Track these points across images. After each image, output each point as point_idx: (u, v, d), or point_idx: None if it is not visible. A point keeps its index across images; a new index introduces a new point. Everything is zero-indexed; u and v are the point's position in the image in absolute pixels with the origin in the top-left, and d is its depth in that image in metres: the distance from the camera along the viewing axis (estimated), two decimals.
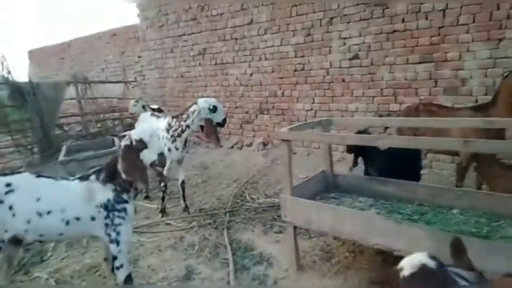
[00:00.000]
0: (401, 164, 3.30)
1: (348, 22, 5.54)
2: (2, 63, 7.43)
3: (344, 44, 5.69)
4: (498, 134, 3.20)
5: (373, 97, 5.56)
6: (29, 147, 7.74)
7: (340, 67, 5.83)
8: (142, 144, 2.30)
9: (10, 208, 2.23)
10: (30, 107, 7.45)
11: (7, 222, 2.24)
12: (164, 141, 4.09)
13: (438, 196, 2.83)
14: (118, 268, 2.37)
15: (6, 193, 2.24)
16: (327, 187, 3.46)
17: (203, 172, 6.04)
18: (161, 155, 2.32)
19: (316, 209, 2.73)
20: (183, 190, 4.41)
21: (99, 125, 9.15)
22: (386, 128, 4.41)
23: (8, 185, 2.27)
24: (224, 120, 3.98)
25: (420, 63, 4.99)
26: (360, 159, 3.53)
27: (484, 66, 4.47)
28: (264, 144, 7.11)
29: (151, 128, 2.49)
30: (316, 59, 6.10)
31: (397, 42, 5.09)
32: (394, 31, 5.08)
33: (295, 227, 2.95)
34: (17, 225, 2.25)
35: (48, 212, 2.25)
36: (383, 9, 5.13)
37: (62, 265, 3.34)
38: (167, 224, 4.11)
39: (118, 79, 10.02)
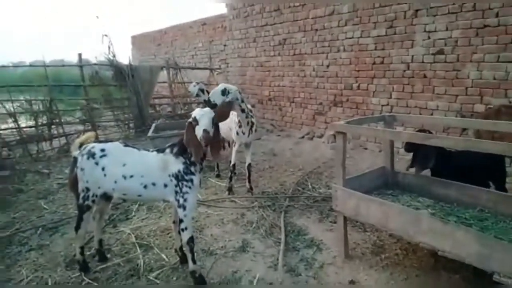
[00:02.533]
0: (477, 170, 3.16)
1: (435, 15, 5.23)
2: (109, 47, 8.57)
3: (429, 38, 5.40)
4: None
5: (456, 95, 5.21)
6: (126, 122, 8.88)
7: (423, 62, 5.55)
8: (195, 122, 2.60)
9: (103, 169, 2.76)
10: (129, 87, 8.52)
11: (100, 180, 2.78)
12: (234, 126, 4.45)
13: (502, 204, 2.68)
14: (183, 230, 2.76)
15: (101, 156, 2.78)
16: (385, 184, 3.46)
17: (271, 159, 6.33)
18: (205, 131, 2.52)
19: (364, 201, 2.81)
20: (249, 173, 4.75)
21: (185, 107, 10.03)
22: (463, 130, 4.15)
23: (102, 150, 2.80)
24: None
25: None
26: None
27: None
28: (335, 137, 7.10)
29: (207, 109, 2.74)
30: (397, 53, 5.88)
31: (488, 38, 4.68)
32: (485, 26, 4.68)
33: (345, 218, 3.05)
34: (107, 184, 2.78)
35: (131, 176, 2.73)
36: (474, 3, 4.73)
37: (142, 224, 3.93)
38: (232, 201, 4.50)
39: (205, 66, 10.78)
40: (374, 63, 6.24)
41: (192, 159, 2.65)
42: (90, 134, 3.23)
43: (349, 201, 2.92)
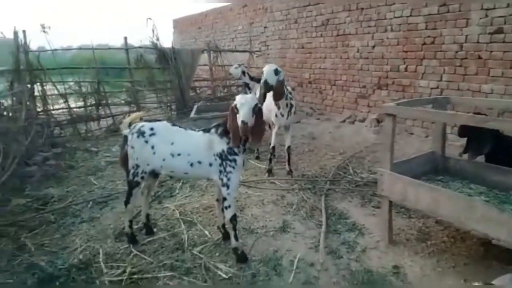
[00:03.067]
0: None
1: None
2: (153, 31, 8.75)
3: (486, 16, 5.00)
4: None
5: None
6: (168, 104, 9.12)
7: (478, 42, 5.18)
8: (236, 109, 2.59)
9: (152, 147, 2.86)
10: (172, 70, 8.70)
11: (149, 158, 2.88)
12: (273, 107, 4.42)
13: None
14: (226, 208, 2.82)
15: (150, 135, 2.87)
16: (435, 169, 3.31)
17: (311, 142, 6.26)
18: (243, 123, 2.49)
19: (413, 186, 2.70)
20: (289, 155, 4.73)
21: (225, 90, 10.11)
22: None
23: (151, 129, 2.90)
24: (265, 82, 3.93)
25: None
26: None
27: None
28: (378, 121, 6.88)
29: (249, 97, 2.71)
30: (449, 32, 5.52)
31: None
32: None
33: (390, 202, 2.97)
34: (156, 161, 2.88)
35: (178, 154, 2.81)
36: None
37: (185, 201, 4.06)
38: (271, 183, 4.53)
39: (245, 49, 10.74)
40: (424, 44, 5.91)
41: (230, 144, 2.67)
42: (138, 113, 3.35)
43: (396, 185, 2.83)
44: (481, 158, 3.30)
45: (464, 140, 3.27)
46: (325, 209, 3.65)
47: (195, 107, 6.66)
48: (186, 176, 2.98)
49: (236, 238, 2.89)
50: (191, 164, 2.81)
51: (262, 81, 4.02)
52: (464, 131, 3.05)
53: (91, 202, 4.12)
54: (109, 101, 8.03)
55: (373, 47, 6.85)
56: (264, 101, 4.08)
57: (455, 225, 2.50)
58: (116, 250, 3.13)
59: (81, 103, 7.87)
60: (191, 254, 3.02)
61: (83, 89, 7.76)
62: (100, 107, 7.85)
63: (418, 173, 3.14)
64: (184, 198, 4.17)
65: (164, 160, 2.85)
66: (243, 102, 2.57)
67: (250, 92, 5.90)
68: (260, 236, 3.28)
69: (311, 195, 4.10)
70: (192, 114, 6.10)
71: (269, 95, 4.40)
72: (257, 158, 5.46)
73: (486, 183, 2.96)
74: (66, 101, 7.47)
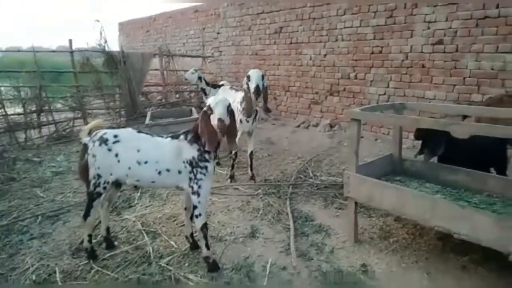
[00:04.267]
0: (482, 156, 3.24)
1: (435, 6, 5.28)
2: (101, 33, 8.32)
3: (429, 28, 5.45)
4: None
5: (454, 85, 5.30)
6: (117, 110, 8.68)
7: (422, 52, 5.61)
8: (210, 110, 2.55)
9: (116, 155, 2.70)
10: (121, 75, 8.32)
11: (113, 166, 2.72)
12: (238, 113, 4.41)
13: (510, 189, 2.76)
14: (197, 216, 2.74)
15: (114, 142, 2.71)
16: (393, 171, 3.50)
17: (269, 147, 6.33)
18: (220, 120, 2.48)
19: (379, 187, 2.84)
20: (251, 160, 4.74)
21: (177, 95, 9.88)
22: (464, 117, 4.23)
23: (115, 136, 2.74)
24: (257, 88, 4.00)
25: (511, 52, 4.63)
26: None
27: None
28: (331, 126, 7.16)
29: (222, 97, 2.72)
30: (396, 42, 5.93)
31: (488, 29, 4.76)
32: (486, 17, 4.75)
33: (356, 203, 3.09)
34: (121, 170, 2.72)
35: (145, 162, 2.68)
36: None
37: (146, 212, 3.88)
38: (235, 188, 4.49)
39: (198, 54, 10.61)
40: (372, 53, 6.28)
41: (206, 148, 2.61)
42: (99, 121, 3.15)
43: (361, 187, 2.95)
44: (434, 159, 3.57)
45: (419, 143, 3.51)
46: (291, 213, 3.70)
47: (149, 113, 6.43)
48: (153, 185, 2.85)
49: (208, 247, 2.81)
50: (159, 172, 2.70)
51: (252, 86, 4.03)
52: (420, 134, 3.27)
53: (40, 217, 3.78)
54: (51, 107, 7.45)
55: (325, 55, 7.14)
56: (253, 109, 4.10)
57: (419, 222, 2.67)
58: (75, 267, 2.89)
59: (20, 110, 7.21)
60: (158, 266, 2.89)
61: (22, 94, 7.13)
62: (41, 114, 7.25)
63: (379, 175, 3.30)
64: (144, 208, 3.98)
65: (129, 168, 2.70)
66: (217, 102, 2.55)
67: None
68: (229, 243, 3.23)
69: (276, 199, 4.13)
70: (147, 120, 5.88)
71: (234, 101, 4.41)
72: (218, 164, 5.39)
73: (440, 182, 3.19)
74: (2, 107, 6.80)
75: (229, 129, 2.65)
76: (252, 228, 3.46)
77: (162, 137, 2.83)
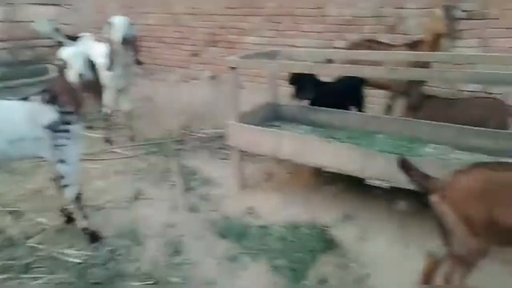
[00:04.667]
0: (344, 96, 3.59)
1: None
2: None
3: None
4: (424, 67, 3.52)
5: (320, 32, 5.67)
6: None
7: (291, 0, 5.78)
8: (64, 64, 2.24)
9: None
10: None
11: None
12: (104, 68, 3.93)
13: (368, 123, 3.17)
14: (66, 186, 2.44)
15: None
16: (271, 117, 3.65)
17: (148, 104, 5.95)
18: (80, 75, 2.22)
19: (258, 133, 2.94)
20: (129, 120, 4.38)
21: (30, 52, 8.35)
22: (330, 61, 4.61)
23: None
24: (124, 37, 3.64)
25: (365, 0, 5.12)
26: None
27: (423, 6, 4.70)
28: (212, 78, 7.06)
29: (77, 48, 2.37)
30: None
31: None
32: None
33: (239, 151, 3.16)
34: None
35: None
36: None
37: (6, 190, 3.30)
38: (113, 152, 4.14)
39: (50, 1, 8.99)
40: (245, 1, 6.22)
41: (67, 108, 2.27)
42: None
43: (242, 135, 3.01)
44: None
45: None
46: (177, 170, 3.61)
47: None
48: (6, 158, 2.38)
49: (85, 217, 2.56)
50: (10, 143, 2.25)
51: (118, 36, 3.58)
52: (293, 79, 3.43)
53: None
54: None
55: (197, 2, 6.81)
56: (121, 62, 3.62)
57: (296, 161, 2.87)
58: None
59: None
60: (26, 247, 2.53)
61: None
62: None
63: (258, 122, 3.40)
64: (2, 186, 3.37)
65: None
66: (74, 54, 2.20)
67: None
68: (111, 210, 3.01)
69: (160, 158, 3.96)
70: None
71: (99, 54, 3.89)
72: (89, 127, 4.84)
73: (312, 123, 3.46)
74: None
75: (93, 86, 2.34)
76: (135, 190, 3.27)
77: (9, 100, 2.34)
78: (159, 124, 5.03)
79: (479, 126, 2.77)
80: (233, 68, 2.88)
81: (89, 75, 2.29)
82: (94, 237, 2.59)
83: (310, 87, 3.35)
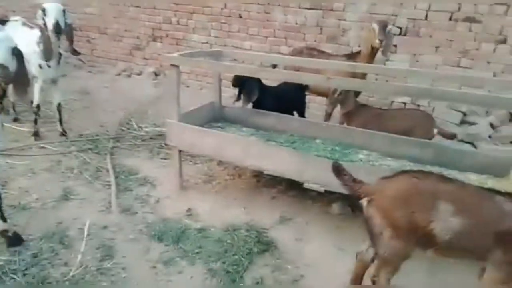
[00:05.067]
0: (287, 101, 3.67)
1: None
2: None
3: None
4: (362, 78, 3.74)
5: (267, 37, 5.76)
6: None
7: (239, 2, 5.80)
8: None
9: None
10: None
11: None
12: (35, 56, 3.62)
13: (307, 128, 3.28)
14: None
15: None
16: (214, 118, 3.62)
17: (85, 98, 5.61)
18: (2, 67, 2.02)
19: (200, 134, 2.90)
20: (60, 114, 4.09)
21: None
22: (274, 66, 4.71)
23: None
24: (57, 24, 3.37)
25: (310, 9, 5.31)
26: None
27: (362, 20, 5.00)
28: (156, 74, 6.84)
29: (2, 34, 2.16)
30: None
31: None
32: None
33: (179, 151, 3.09)
34: None
35: None
36: None
37: None
38: (41, 147, 3.83)
39: None
40: None
41: None
42: None
43: (184, 135, 2.95)
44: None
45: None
46: (112, 168, 3.43)
47: None
48: None
49: (4, 219, 2.33)
50: None
51: (50, 22, 3.33)
52: (236, 81, 3.43)
53: None
54: None
55: None
56: (53, 51, 3.36)
57: (237, 163, 2.88)
58: None
59: None
60: None
61: None
62: None
63: (201, 122, 3.35)
64: None
65: None
66: None
67: None
68: (36, 211, 2.78)
69: (94, 155, 3.74)
70: None
71: (30, 40, 3.60)
72: (16, 120, 4.43)
73: (254, 125, 3.49)
74: None
75: (17, 77, 2.14)
76: (65, 190, 3.06)
77: None
78: (96, 119, 4.76)
79: (407, 135, 3.00)
80: (174, 65, 2.81)
81: (12, 65, 2.09)
82: (14, 240, 2.37)
83: (254, 90, 3.38)
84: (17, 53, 2.14)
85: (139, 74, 6.95)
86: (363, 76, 3.74)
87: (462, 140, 4.16)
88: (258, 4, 5.62)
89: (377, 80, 4.79)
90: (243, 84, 3.42)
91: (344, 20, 5.11)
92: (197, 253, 2.47)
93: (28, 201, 2.87)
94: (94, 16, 7.23)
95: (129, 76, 6.98)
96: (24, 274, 2.16)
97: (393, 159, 2.87)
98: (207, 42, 6.27)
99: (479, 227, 1.67)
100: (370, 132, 3.04)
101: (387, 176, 1.90)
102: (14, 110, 4.46)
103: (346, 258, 2.39)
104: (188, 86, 6.56)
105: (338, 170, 1.96)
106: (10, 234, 2.36)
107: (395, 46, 4.76)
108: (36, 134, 3.98)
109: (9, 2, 8.01)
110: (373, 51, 3.61)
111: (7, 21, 4.54)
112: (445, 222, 1.69)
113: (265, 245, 2.55)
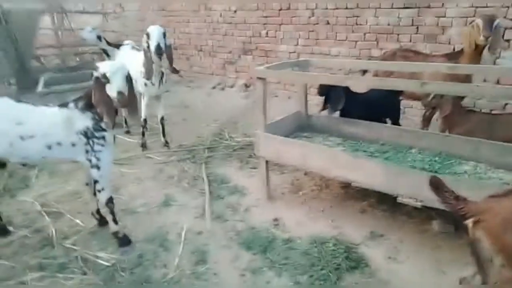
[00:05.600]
0: (377, 108, 3.48)
1: None
2: None
3: None
4: (465, 80, 3.35)
5: (356, 41, 5.56)
6: (5, 78, 7.52)
7: (326, 9, 5.73)
8: (105, 79, 2.28)
9: None
10: (3, 36, 7.12)
11: None
12: (141, 76, 4.08)
13: (400, 137, 3.05)
14: (99, 191, 2.55)
15: None
16: (301, 127, 3.62)
17: (183, 111, 6.12)
18: (120, 94, 2.26)
19: (285, 144, 2.92)
20: (163, 126, 4.53)
21: (77, 58, 8.87)
22: (364, 72, 4.52)
23: None
24: (158, 47, 3.70)
25: (404, 8, 4.97)
26: None
27: (465, 15, 4.50)
28: (247, 86, 7.13)
29: (120, 63, 2.47)
30: None
31: None
32: None
33: (267, 161, 3.16)
34: (0, 148, 2.35)
35: (31, 136, 2.34)
36: None
37: (46, 191, 3.51)
38: (147, 157, 4.28)
39: (97, 10, 9.52)
40: (280, 9, 6.24)
41: (105, 121, 2.37)
42: None
43: (270, 145, 3.00)
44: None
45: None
46: (206, 177, 3.66)
47: (42, 79, 5.68)
48: (45, 161, 2.54)
49: (116, 222, 2.66)
50: (49, 147, 2.39)
51: (153, 45, 3.69)
52: (322, 90, 3.38)
53: None
54: None
55: (235, 11, 6.92)
56: (154, 70, 3.79)
57: (322, 174, 2.82)
58: None
59: None
60: (62, 248, 2.67)
61: None
62: None
63: (288, 132, 3.39)
64: (43, 187, 3.59)
65: (11, 145, 2.34)
66: (114, 70, 2.28)
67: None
68: (142, 215, 3.11)
69: (191, 164, 4.04)
70: (40, 88, 5.20)
71: (135, 61, 4.08)
72: (128, 132, 5.05)
73: (342, 135, 3.39)
74: None
75: (130, 100, 2.43)
76: (166, 196, 3.36)
77: (48, 106, 2.49)
78: (194, 131, 5.15)
79: None
80: (261, 78, 2.89)
81: (126, 90, 2.35)
82: (124, 241, 2.68)
83: (340, 98, 3.28)
84: (129, 79, 2.42)
85: (231, 87, 7.33)
86: (467, 77, 3.35)
87: None
88: (346, 8, 5.47)
89: (485, 81, 4.24)
90: (328, 92, 3.36)
91: (444, 16, 4.65)
92: (284, 264, 2.47)
93: (136, 206, 3.23)
94: (192, 35, 7.87)
95: (222, 89, 7.41)
96: (131, 273, 2.43)
97: (506, 172, 2.49)
98: (294, 52, 6.32)
99: None
100: (477, 140, 2.69)
101: (497, 193, 1.65)
102: (126, 124, 5.09)
103: (446, 281, 2.15)
104: (276, 96, 6.69)
105: (436, 185, 1.77)
106: (121, 235, 2.68)
107: (508, 41, 4.17)
108: (143, 145, 4.48)
109: (124, 28, 9.22)
110: (478, 49, 3.21)
111: (121, 45, 5.24)
112: None
113: (355, 262, 2.43)
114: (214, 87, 7.46)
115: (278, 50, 6.53)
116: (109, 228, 2.70)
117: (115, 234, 2.67)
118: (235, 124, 5.39)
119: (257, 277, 2.39)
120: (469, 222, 1.63)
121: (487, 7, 4.30)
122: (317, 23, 5.90)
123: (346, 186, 3.28)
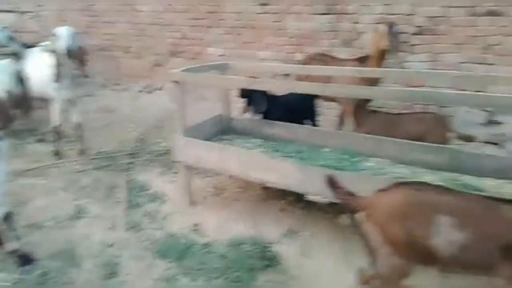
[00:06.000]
0: (297, 110, 3.58)
1: None
2: None
3: None
4: (374, 82, 3.58)
5: (282, 45, 5.71)
6: None
7: (252, 13, 5.81)
8: None
9: None
10: None
11: None
12: (49, 79, 3.77)
13: (315, 137, 3.17)
14: None
15: None
16: (223, 130, 3.61)
17: (107, 116, 5.80)
18: (8, 93, 2.12)
19: (204, 148, 2.89)
20: (80, 133, 4.24)
21: None
22: (286, 76, 4.65)
23: None
24: (66, 48, 3.51)
25: (324, 14, 5.21)
26: None
27: (377, 21, 4.83)
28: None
29: (4, 62, 2.27)
30: (228, 1, 5.97)
31: None
32: None
33: (187, 166, 3.09)
34: None
35: None
36: None
37: None
38: (60, 167, 3.97)
39: (11, 8, 8.70)
40: (208, 12, 6.21)
41: None
42: None
43: (189, 149, 2.95)
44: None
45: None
46: (125, 185, 3.50)
47: None
48: None
49: (16, 239, 2.42)
50: None
51: (62, 46, 3.47)
52: (243, 92, 3.40)
53: None
54: None
55: (162, 12, 6.75)
56: (64, 73, 3.50)
57: (241, 177, 2.83)
58: None
59: None
60: None
61: None
62: None
63: (209, 135, 3.36)
64: None
65: None
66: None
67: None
68: (49, 230, 2.88)
69: (109, 173, 3.83)
70: None
71: (44, 64, 3.77)
72: (41, 140, 4.65)
73: (263, 136, 3.44)
74: None
75: (22, 101, 2.23)
76: (77, 208, 3.14)
77: None
78: (116, 137, 4.90)
79: (420, 141, 2.82)
80: (176, 81, 2.82)
81: (17, 90, 2.17)
82: (24, 260, 2.45)
83: (261, 101, 3.33)
84: (21, 78, 2.22)
85: (160, 90, 7.11)
86: (376, 80, 3.58)
87: (488, 142, 3.87)
88: (268, 13, 5.61)
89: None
90: (250, 95, 3.39)
91: (358, 23, 4.96)
92: (200, 269, 2.43)
93: (42, 220, 2.98)
94: (118, 36, 7.52)
95: (150, 92, 7.16)
96: None
97: (405, 166, 2.70)
98: (223, 55, 6.32)
99: (483, 240, 1.51)
100: (379, 138, 2.89)
101: (383, 188, 1.77)
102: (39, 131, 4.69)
103: (352, 272, 2.25)
104: (206, 99, 6.63)
105: (331, 182, 1.86)
106: (21, 254, 2.44)
107: (412, 45, 4.56)
108: (57, 154, 4.15)
109: (43, 28, 8.54)
110: (382, 53, 3.46)
111: (33, 47, 4.82)
112: (446, 236, 1.55)
113: (269, 261, 2.47)
114: (141, 90, 7.18)
115: (206, 52, 6.48)
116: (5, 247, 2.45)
117: (14, 253, 2.43)
118: (161, 129, 5.23)
119: (171, 285, 2.32)
120: (358, 215, 1.73)
121: (395, 14, 4.66)
122: (244, 27, 5.95)
123: (267, 186, 3.33)
